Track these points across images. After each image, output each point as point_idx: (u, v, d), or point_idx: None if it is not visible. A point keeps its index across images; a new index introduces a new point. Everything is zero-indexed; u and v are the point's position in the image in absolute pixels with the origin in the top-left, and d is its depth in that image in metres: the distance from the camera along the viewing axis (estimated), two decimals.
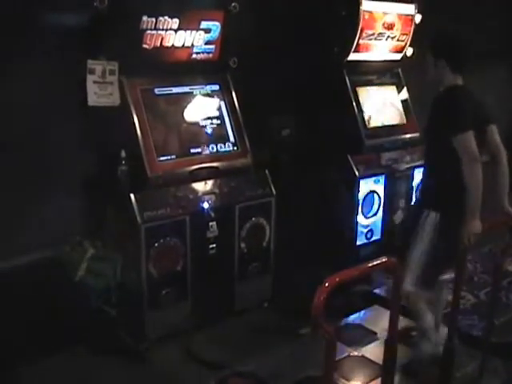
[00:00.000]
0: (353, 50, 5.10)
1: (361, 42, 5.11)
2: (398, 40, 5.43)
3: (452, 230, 3.60)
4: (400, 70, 5.68)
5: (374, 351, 4.13)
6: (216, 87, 4.56)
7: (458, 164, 3.51)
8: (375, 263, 2.98)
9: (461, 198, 3.56)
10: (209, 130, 4.44)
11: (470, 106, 3.63)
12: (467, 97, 3.70)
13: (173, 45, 4.17)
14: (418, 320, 3.97)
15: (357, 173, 5.05)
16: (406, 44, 5.51)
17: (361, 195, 5.14)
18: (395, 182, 5.35)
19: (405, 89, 5.66)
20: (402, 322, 3.88)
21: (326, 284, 2.59)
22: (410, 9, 5.40)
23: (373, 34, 5.18)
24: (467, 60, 3.75)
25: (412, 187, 5.50)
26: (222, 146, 4.48)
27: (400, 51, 5.54)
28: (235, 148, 4.53)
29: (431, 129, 3.80)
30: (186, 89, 4.42)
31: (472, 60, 3.75)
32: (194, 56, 4.35)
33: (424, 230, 3.71)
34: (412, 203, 5.37)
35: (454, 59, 3.68)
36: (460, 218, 3.58)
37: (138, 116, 4.06)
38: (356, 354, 4.16)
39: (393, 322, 3.17)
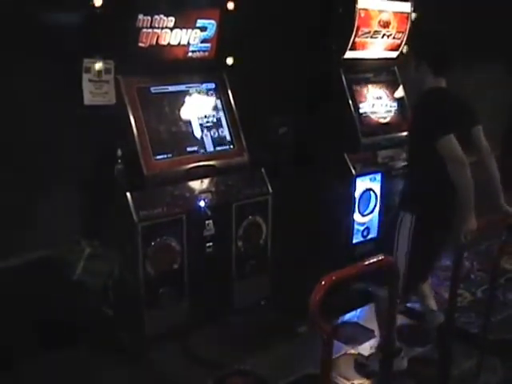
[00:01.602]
0: (349, 48, 5.10)
1: (357, 39, 5.11)
2: (393, 38, 5.43)
3: (426, 232, 3.61)
4: (396, 68, 5.68)
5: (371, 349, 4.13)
6: (212, 86, 4.56)
7: (437, 166, 3.50)
8: (372, 261, 2.99)
9: (437, 200, 3.57)
10: (205, 129, 4.44)
11: (453, 108, 3.61)
12: (449, 99, 3.68)
13: (169, 43, 4.16)
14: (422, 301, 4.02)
15: (353, 171, 5.05)
16: (401, 42, 5.50)
17: (357, 193, 5.14)
18: (392, 179, 5.34)
19: (401, 87, 5.65)
20: (399, 320, 3.91)
21: (323, 282, 2.59)
22: (406, 6, 5.40)
23: (369, 32, 5.17)
24: (450, 63, 3.72)
25: None
26: (219, 144, 4.47)
27: (396, 49, 5.54)
28: (232, 146, 4.53)
29: (413, 131, 3.80)
30: (182, 87, 4.41)
31: (455, 63, 3.73)
32: (190, 54, 4.34)
33: (401, 233, 3.71)
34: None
35: (436, 63, 3.65)
36: (435, 220, 3.59)
37: (134, 115, 4.05)
38: (353, 352, 4.16)
39: (390, 319, 3.18)
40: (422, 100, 3.71)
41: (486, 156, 3.74)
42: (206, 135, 4.43)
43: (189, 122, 4.38)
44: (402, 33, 5.45)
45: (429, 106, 3.63)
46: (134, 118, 4.05)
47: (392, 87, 5.64)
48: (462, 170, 3.45)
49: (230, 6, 4.33)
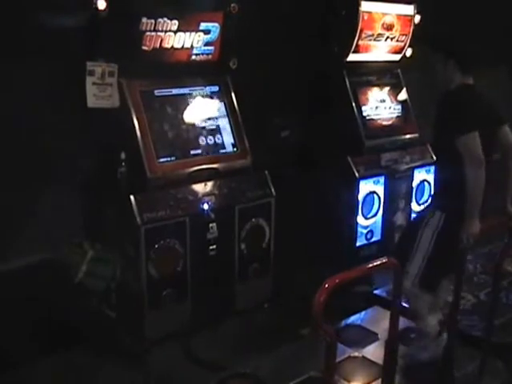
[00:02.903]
0: (352, 50, 5.11)
1: (360, 42, 5.12)
2: (397, 41, 5.44)
3: (453, 230, 3.60)
4: (399, 71, 5.69)
5: (374, 352, 4.13)
6: (215, 88, 4.56)
7: (462, 164, 3.51)
8: (375, 264, 2.99)
9: (464, 198, 3.57)
10: (208, 132, 4.44)
11: (478, 107, 3.63)
12: (475, 97, 3.70)
13: (172, 46, 4.17)
14: (419, 321, 3.99)
15: (356, 174, 5.05)
16: (405, 45, 5.51)
17: (361, 196, 5.14)
18: (395, 182, 5.35)
19: (404, 89, 5.66)
20: (403, 323, 3.90)
21: (326, 285, 2.59)
22: (409, 9, 5.41)
23: (372, 35, 5.18)
24: (475, 60, 3.76)
25: (412, 188, 5.51)
26: (222, 147, 4.48)
27: (399, 52, 5.55)
28: (235, 149, 4.53)
29: (438, 128, 3.81)
30: (185, 90, 4.42)
31: (478, 60, 3.77)
32: (194, 57, 4.35)
33: (426, 229, 3.72)
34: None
35: (464, 59, 3.69)
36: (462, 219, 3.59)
37: (137, 117, 4.06)
38: (356, 354, 4.16)
39: (393, 322, 3.18)
40: (449, 97, 3.72)
41: (510, 157, 3.75)
42: (210, 138, 4.44)
43: (192, 125, 4.39)
44: (406, 35, 5.46)
45: (456, 104, 3.65)
46: (138, 120, 4.06)
47: (395, 90, 5.65)
48: (478, 170, 3.46)
49: (234, 8, 4.34)
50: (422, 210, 4.02)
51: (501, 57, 7.04)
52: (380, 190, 5.29)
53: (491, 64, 6.75)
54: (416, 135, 5.56)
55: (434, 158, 4.16)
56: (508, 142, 3.76)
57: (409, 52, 5.56)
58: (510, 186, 3.77)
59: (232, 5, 4.33)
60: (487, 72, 6.51)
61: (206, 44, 4.36)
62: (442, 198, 3.79)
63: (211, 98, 4.53)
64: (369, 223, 5.31)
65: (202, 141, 4.40)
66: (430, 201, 3.97)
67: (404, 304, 3.85)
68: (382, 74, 5.60)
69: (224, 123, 4.54)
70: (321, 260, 4.87)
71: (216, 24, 4.34)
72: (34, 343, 3.81)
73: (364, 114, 5.28)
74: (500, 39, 6.73)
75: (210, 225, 4.25)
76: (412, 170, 5.43)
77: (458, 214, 3.58)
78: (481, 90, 3.78)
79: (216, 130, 4.49)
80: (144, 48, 4.03)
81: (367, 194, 5.20)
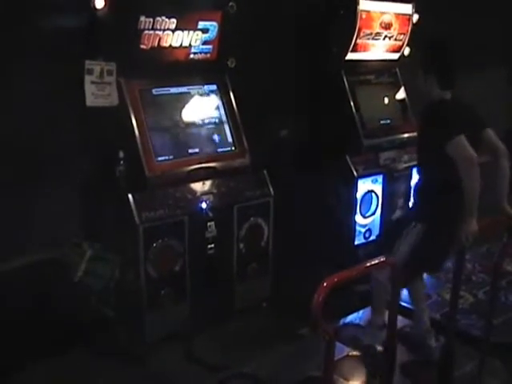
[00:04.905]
0: (351, 49, 5.10)
1: (358, 41, 5.11)
2: (395, 39, 5.43)
3: (435, 240, 3.67)
4: (398, 70, 5.69)
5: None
6: (214, 87, 4.56)
7: (447, 174, 3.56)
8: (373, 263, 2.99)
9: (448, 210, 3.63)
10: (207, 130, 4.44)
11: (459, 116, 3.69)
12: (454, 108, 3.76)
13: (170, 45, 4.17)
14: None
15: (355, 172, 5.05)
16: (403, 43, 5.51)
17: (359, 195, 5.14)
18: (393, 181, 5.35)
19: (402, 88, 5.66)
20: (401, 322, 3.90)
21: (325, 284, 2.59)
22: (408, 8, 5.40)
23: (370, 34, 5.17)
24: (455, 76, 3.80)
25: (410, 187, 5.50)
26: (220, 146, 4.48)
27: (397, 51, 5.54)
28: (233, 148, 4.53)
29: (421, 140, 3.85)
30: (183, 89, 4.42)
31: (456, 71, 3.79)
32: (192, 56, 4.35)
33: (407, 239, 3.78)
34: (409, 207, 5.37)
35: (443, 77, 3.73)
36: (445, 230, 3.62)
37: (135, 116, 4.05)
38: (355, 353, 4.15)
39: (391, 321, 3.18)
40: (429, 112, 3.79)
41: (500, 156, 3.78)
42: (208, 137, 4.43)
43: (190, 124, 4.39)
44: (404, 34, 5.45)
45: (437, 116, 3.71)
46: (136, 119, 4.05)
47: (394, 89, 5.65)
48: (473, 169, 3.49)
49: (232, 7, 4.33)
50: (407, 215, 4.03)
51: (501, 59, 7.05)
52: (378, 188, 5.29)
53: (491, 66, 6.78)
54: (414, 134, 5.52)
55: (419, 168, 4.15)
56: (493, 141, 3.80)
57: (407, 51, 5.55)
58: (505, 186, 3.79)
59: (230, 4, 4.33)
60: (487, 74, 6.54)
61: (205, 43, 4.36)
62: (423, 208, 3.82)
63: (209, 96, 4.53)
64: (367, 222, 5.31)
65: (200, 139, 4.40)
66: (413, 209, 3.98)
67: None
68: (380, 72, 5.60)
69: (222, 122, 4.54)
70: (319, 259, 4.86)
71: (214, 23, 4.33)
72: (32, 343, 3.80)
73: (362, 112, 5.28)
74: (500, 41, 6.74)
75: (209, 224, 4.25)
76: (410, 168, 5.43)
77: (439, 226, 3.66)
78: (462, 98, 3.82)
79: (214, 129, 4.49)
80: (142, 47, 4.02)
81: (365, 193, 5.20)
